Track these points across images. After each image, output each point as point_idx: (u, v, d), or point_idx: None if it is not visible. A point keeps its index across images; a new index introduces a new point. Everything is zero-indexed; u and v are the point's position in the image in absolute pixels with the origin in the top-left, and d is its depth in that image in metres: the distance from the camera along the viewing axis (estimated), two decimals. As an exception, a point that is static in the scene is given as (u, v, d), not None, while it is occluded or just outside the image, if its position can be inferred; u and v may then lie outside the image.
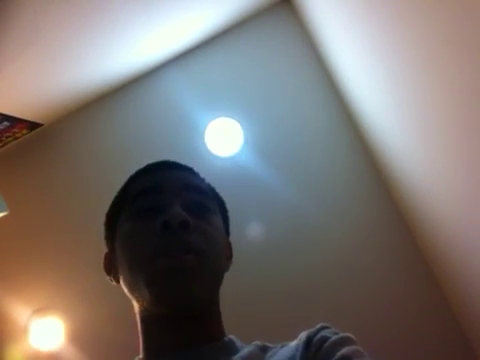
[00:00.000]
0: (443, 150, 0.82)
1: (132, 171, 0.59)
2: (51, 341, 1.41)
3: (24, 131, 1.46)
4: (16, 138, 1.47)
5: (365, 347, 0.44)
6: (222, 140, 1.41)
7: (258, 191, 1.41)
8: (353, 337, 0.47)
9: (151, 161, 0.58)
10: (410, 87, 0.83)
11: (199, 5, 1.25)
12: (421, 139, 0.92)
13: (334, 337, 0.46)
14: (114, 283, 0.55)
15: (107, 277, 0.57)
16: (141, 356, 0.51)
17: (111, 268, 0.56)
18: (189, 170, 0.60)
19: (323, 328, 0.49)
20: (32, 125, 1.46)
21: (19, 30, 1.02)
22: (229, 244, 0.62)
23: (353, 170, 1.40)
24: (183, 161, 0.60)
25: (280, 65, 1.46)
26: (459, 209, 0.88)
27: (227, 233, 0.62)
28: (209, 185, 0.61)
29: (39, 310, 1.45)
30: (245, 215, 1.39)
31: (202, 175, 0.61)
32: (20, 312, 1.46)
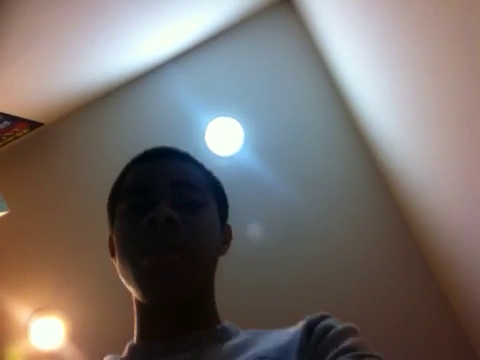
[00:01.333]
0: (442, 149, 0.82)
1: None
2: (51, 341, 1.41)
3: (24, 130, 1.46)
4: (16, 137, 1.48)
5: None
6: (222, 140, 1.41)
7: (258, 191, 1.41)
8: (357, 328, 0.47)
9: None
10: (410, 86, 0.83)
11: (199, 5, 1.25)
12: (421, 138, 0.92)
13: (338, 327, 0.45)
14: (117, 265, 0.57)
15: (112, 258, 0.58)
16: (134, 341, 0.53)
17: (113, 251, 0.57)
18: (183, 159, 0.59)
19: (325, 317, 0.49)
20: (32, 124, 1.46)
21: (19, 30, 1.02)
22: (228, 228, 0.63)
23: (353, 169, 1.40)
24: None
25: (280, 65, 1.45)
26: (458, 205, 0.88)
27: (225, 217, 0.62)
28: (204, 172, 0.60)
29: (39, 310, 1.45)
30: (245, 215, 1.39)
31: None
32: (20, 312, 1.46)
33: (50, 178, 1.54)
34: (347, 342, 0.42)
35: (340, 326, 0.45)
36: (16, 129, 1.42)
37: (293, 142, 1.43)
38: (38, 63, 1.19)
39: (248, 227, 1.39)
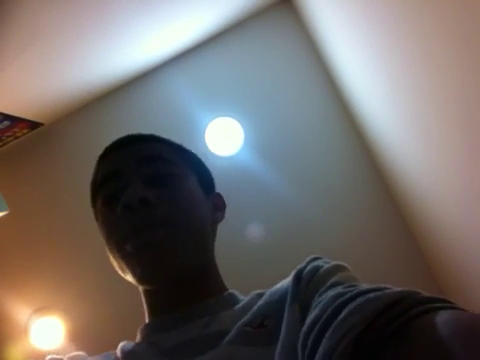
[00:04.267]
0: (442, 148, 0.82)
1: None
2: (51, 340, 1.41)
3: (25, 130, 1.46)
4: (16, 137, 1.48)
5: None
6: (222, 140, 1.41)
7: (258, 191, 1.41)
8: (346, 265, 0.46)
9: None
10: (410, 86, 0.83)
11: (199, 5, 1.25)
12: (421, 138, 0.92)
13: (326, 266, 0.44)
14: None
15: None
16: (146, 321, 0.52)
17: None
18: (147, 139, 0.57)
19: (314, 259, 0.48)
20: (32, 124, 1.46)
21: (19, 30, 1.02)
22: (218, 196, 0.61)
23: (353, 169, 1.40)
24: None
25: (280, 65, 1.46)
26: (456, 204, 0.88)
27: (210, 187, 0.60)
28: (174, 147, 0.58)
29: (39, 309, 1.45)
30: (245, 215, 1.39)
31: None
32: (20, 312, 1.46)
33: (50, 178, 1.54)
34: (335, 278, 0.41)
35: (328, 265, 0.44)
36: (16, 129, 1.42)
37: (293, 142, 1.43)
38: (38, 63, 1.19)
39: (248, 227, 1.39)
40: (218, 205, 0.60)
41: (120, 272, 0.51)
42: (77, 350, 0.56)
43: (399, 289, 0.34)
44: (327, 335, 0.32)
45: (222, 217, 0.59)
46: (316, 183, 1.40)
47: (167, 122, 1.48)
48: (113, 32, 1.21)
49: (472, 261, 0.93)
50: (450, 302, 0.32)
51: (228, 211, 0.62)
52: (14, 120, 1.36)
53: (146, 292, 0.52)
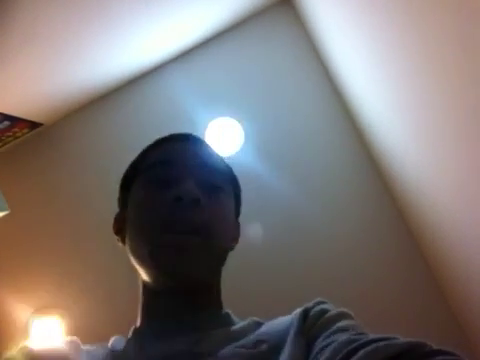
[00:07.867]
0: (442, 147, 0.82)
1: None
2: (51, 340, 1.41)
3: (25, 130, 1.47)
4: (17, 137, 1.48)
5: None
6: (223, 139, 1.41)
7: (259, 190, 1.41)
8: (351, 313, 0.47)
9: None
10: (409, 85, 0.83)
11: (199, 5, 1.25)
12: (421, 137, 0.92)
13: (333, 311, 0.45)
14: (120, 244, 0.55)
15: (115, 237, 0.56)
16: (138, 324, 0.52)
17: (120, 230, 0.55)
18: (207, 146, 0.59)
19: (320, 303, 0.49)
20: (33, 125, 1.46)
21: (19, 30, 1.02)
22: (238, 225, 0.62)
23: (353, 169, 1.40)
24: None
25: (280, 65, 1.46)
26: (460, 210, 0.88)
27: (237, 214, 0.62)
28: (225, 163, 0.60)
29: (39, 309, 1.46)
30: (245, 214, 1.39)
31: None
32: (21, 311, 1.47)
33: (50, 178, 1.55)
34: (341, 323, 0.43)
35: (334, 311, 0.46)
36: (16, 129, 1.42)
37: (293, 142, 1.43)
38: (38, 64, 1.19)
39: (248, 227, 1.38)
40: (236, 234, 0.61)
41: (133, 256, 0.50)
42: (77, 350, 0.56)
43: (407, 340, 0.35)
44: None
45: (234, 247, 0.60)
46: (316, 183, 1.40)
47: (167, 122, 1.49)
48: (113, 32, 1.21)
49: (474, 266, 0.93)
50: (456, 355, 0.33)
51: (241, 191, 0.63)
52: (14, 120, 1.36)
53: (149, 292, 0.51)
